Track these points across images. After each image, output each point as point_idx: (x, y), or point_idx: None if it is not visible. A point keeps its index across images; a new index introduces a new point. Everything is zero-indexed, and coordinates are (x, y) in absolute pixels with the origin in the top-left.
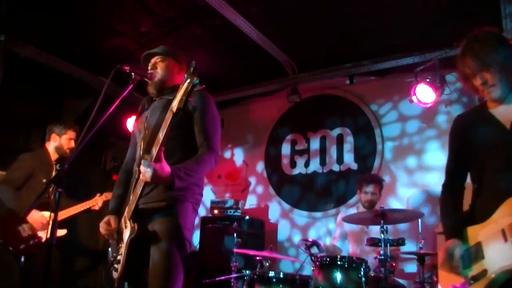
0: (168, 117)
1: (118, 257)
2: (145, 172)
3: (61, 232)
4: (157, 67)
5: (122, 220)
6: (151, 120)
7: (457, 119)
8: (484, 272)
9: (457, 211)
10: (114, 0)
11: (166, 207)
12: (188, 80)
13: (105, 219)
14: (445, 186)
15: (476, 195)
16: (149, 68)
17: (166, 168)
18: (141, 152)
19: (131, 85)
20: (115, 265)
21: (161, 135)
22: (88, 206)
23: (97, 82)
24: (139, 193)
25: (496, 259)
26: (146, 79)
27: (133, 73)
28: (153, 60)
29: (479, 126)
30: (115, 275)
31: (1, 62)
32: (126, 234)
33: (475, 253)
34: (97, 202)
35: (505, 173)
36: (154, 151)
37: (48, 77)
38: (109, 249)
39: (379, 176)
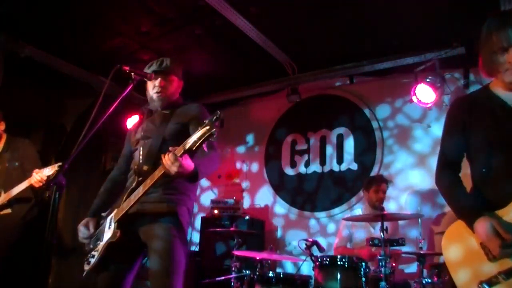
0: (179, 151)
1: (94, 253)
2: (173, 164)
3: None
4: (165, 87)
5: (108, 218)
6: (147, 134)
7: (458, 100)
8: None
9: (465, 190)
10: (114, 0)
11: (166, 208)
12: (208, 128)
13: (84, 221)
14: (442, 169)
15: (483, 179)
16: (156, 84)
17: (191, 163)
18: (140, 159)
19: (131, 85)
20: (90, 259)
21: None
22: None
23: (97, 82)
24: (139, 195)
25: None
26: (146, 79)
27: (133, 73)
28: (160, 79)
29: (484, 107)
30: (86, 267)
31: (1, 62)
32: (107, 235)
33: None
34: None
35: None
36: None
37: (48, 77)
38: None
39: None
